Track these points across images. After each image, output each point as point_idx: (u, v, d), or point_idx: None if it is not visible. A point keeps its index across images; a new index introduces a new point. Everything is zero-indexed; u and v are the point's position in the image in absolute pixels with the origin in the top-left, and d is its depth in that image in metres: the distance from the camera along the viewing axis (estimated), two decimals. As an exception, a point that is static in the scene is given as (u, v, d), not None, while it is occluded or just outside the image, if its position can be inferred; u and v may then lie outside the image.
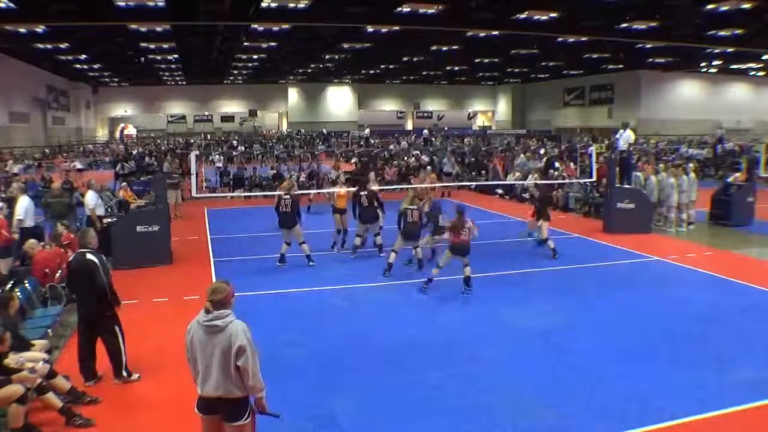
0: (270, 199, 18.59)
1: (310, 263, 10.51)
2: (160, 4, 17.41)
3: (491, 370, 6.26)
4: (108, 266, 6.19)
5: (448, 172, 21.27)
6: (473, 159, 25.16)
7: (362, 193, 11.11)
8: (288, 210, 10.30)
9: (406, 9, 18.77)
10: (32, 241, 8.69)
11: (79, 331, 6.09)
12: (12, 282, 7.28)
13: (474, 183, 21.24)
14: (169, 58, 31.77)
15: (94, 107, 47.75)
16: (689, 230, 13.82)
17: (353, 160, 26.43)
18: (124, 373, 6.02)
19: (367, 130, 41.87)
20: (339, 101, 51.14)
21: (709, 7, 18.79)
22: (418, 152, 26.45)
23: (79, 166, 27.69)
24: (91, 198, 11.34)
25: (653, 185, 14.00)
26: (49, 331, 6.74)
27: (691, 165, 15.93)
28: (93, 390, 5.75)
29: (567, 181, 17.46)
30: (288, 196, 10.35)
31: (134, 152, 27.35)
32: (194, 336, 3.79)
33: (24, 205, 10.11)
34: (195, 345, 3.78)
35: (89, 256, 5.95)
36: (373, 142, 38.58)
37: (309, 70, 40.69)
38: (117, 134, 48.47)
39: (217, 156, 27.60)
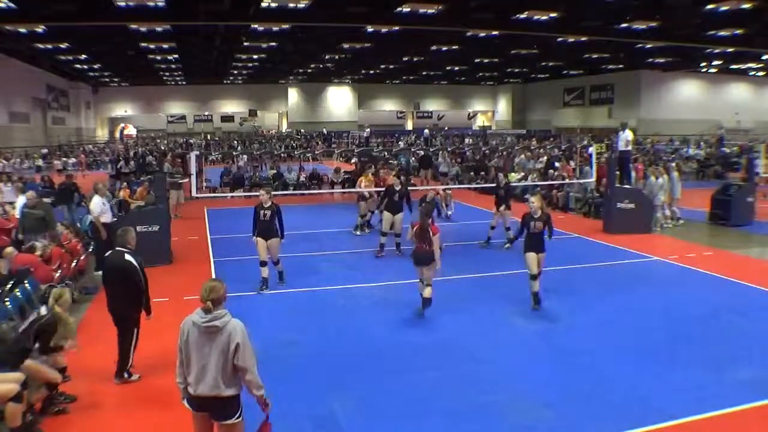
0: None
1: (261, 289, 9.21)
2: (160, 4, 17.41)
3: (491, 370, 6.26)
4: (143, 268, 6.08)
5: (444, 172, 21.26)
6: (475, 160, 25.15)
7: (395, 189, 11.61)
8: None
9: (406, 9, 18.78)
10: (10, 249, 8.20)
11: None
12: (12, 282, 7.27)
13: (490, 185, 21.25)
14: (169, 58, 31.78)
15: (94, 107, 47.73)
16: (678, 226, 13.94)
17: (353, 160, 26.44)
18: (125, 375, 6.03)
19: (368, 130, 41.92)
20: (339, 101, 51.12)
21: (709, 7, 18.80)
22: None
23: (60, 167, 27.00)
24: (96, 204, 10.27)
25: (653, 185, 14.07)
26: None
27: (673, 164, 16.09)
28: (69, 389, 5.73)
29: (567, 181, 17.48)
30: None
31: (133, 152, 27.33)
32: (189, 336, 3.79)
33: (21, 204, 10.13)
34: (190, 345, 3.79)
35: (128, 257, 5.91)
36: (372, 141, 38.59)
37: (309, 70, 40.69)
38: (117, 134, 48.51)
39: (243, 156, 27.04)
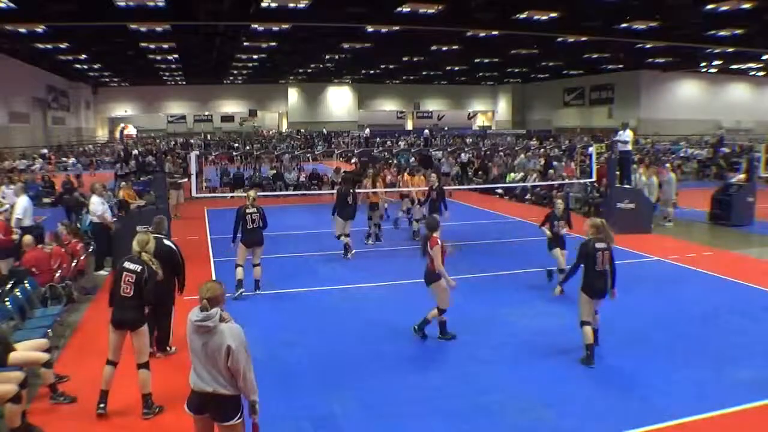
0: (271, 200, 18.75)
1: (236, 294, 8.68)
2: (160, 4, 17.41)
3: (491, 370, 6.25)
4: (181, 252, 6.62)
5: (446, 172, 21.24)
6: (476, 160, 25.09)
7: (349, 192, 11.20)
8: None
9: (406, 9, 18.77)
10: (29, 237, 8.61)
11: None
12: (12, 282, 7.27)
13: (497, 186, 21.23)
14: (169, 58, 31.77)
15: (94, 107, 47.74)
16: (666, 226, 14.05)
17: (353, 161, 26.41)
18: (168, 348, 6.58)
19: (367, 130, 41.92)
20: (339, 101, 51.13)
21: (709, 7, 18.79)
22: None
23: (20, 166, 25.24)
24: (97, 205, 10.32)
25: (654, 185, 14.11)
26: (49, 331, 6.74)
27: (668, 165, 16.19)
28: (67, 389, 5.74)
29: (567, 181, 17.48)
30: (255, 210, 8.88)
31: (134, 152, 27.25)
32: (188, 332, 3.87)
33: (23, 205, 10.12)
34: (188, 339, 3.88)
35: (166, 241, 6.43)
36: (372, 141, 38.61)
37: (309, 70, 40.69)
38: (117, 134, 48.50)
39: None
